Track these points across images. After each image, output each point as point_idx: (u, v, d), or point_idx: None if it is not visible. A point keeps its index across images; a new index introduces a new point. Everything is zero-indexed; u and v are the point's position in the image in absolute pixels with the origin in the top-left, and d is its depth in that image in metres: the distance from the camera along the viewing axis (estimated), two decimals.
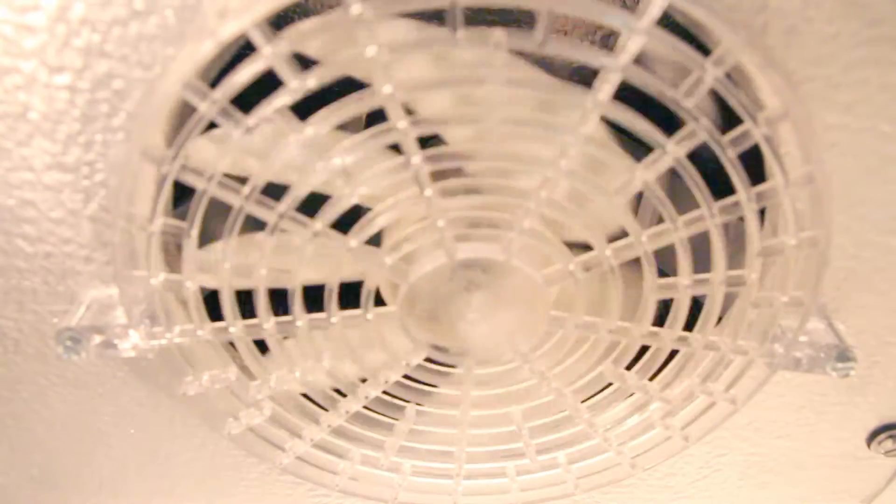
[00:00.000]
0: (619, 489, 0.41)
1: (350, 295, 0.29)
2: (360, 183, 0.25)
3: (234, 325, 0.29)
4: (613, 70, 0.21)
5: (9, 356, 0.33)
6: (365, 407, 0.34)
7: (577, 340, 0.32)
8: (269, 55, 0.21)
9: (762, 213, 0.27)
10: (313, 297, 0.29)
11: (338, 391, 0.34)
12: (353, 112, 0.23)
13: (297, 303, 0.29)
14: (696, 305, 0.29)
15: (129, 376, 0.34)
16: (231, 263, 0.27)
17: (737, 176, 0.24)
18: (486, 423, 0.36)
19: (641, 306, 0.29)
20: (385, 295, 0.30)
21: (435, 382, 0.34)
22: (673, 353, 0.32)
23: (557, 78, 0.24)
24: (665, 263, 0.31)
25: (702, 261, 0.27)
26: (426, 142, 0.24)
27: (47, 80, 0.24)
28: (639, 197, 0.33)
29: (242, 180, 0.25)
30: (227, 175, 0.24)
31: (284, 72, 0.21)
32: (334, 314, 0.29)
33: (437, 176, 0.25)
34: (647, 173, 0.24)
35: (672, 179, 0.28)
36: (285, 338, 0.31)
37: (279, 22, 0.23)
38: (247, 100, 0.23)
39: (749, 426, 0.38)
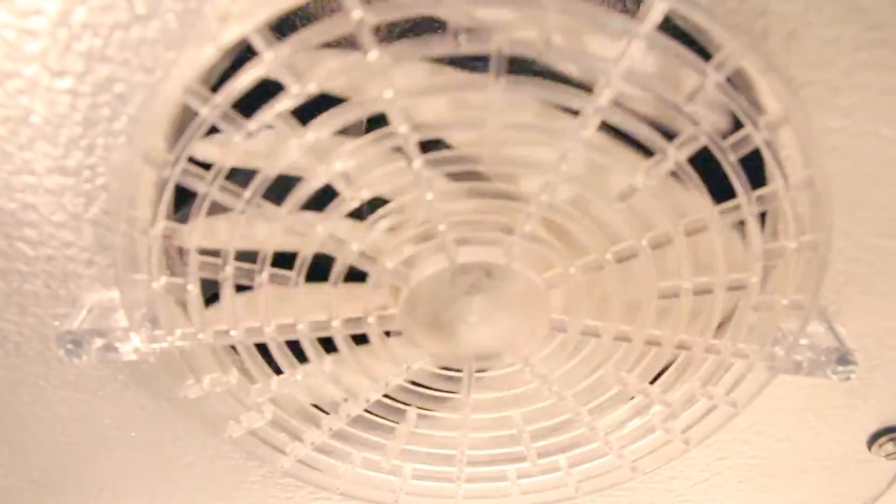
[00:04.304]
0: (619, 492, 0.41)
1: None
2: (362, 186, 0.25)
3: (236, 328, 0.29)
4: (614, 75, 0.21)
5: (10, 359, 0.33)
6: (366, 410, 0.34)
7: (578, 343, 0.32)
8: (271, 60, 0.21)
9: (763, 216, 0.27)
10: None
11: None
12: (354, 117, 0.23)
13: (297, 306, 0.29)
14: None
15: (130, 380, 0.34)
16: (233, 266, 0.27)
17: (737, 180, 0.24)
18: (487, 427, 0.36)
19: (642, 309, 0.29)
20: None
21: (436, 386, 0.34)
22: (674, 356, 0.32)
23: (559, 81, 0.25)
24: None
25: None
26: (427, 146, 0.24)
27: (49, 84, 0.24)
28: None
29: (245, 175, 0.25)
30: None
31: (286, 77, 0.21)
32: (335, 318, 0.29)
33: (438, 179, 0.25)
34: (647, 177, 0.24)
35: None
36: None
37: (281, 26, 0.23)
38: (248, 102, 0.23)
39: (750, 429, 0.38)
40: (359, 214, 0.27)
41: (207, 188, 0.24)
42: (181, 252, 0.27)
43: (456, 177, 0.27)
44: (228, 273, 0.27)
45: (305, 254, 0.27)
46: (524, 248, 0.27)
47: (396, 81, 0.21)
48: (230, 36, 0.21)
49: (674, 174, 0.24)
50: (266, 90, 0.22)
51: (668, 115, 0.24)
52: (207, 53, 0.22)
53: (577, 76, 0.24)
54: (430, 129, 0.23)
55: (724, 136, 0.23)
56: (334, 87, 0.23)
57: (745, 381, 0.32)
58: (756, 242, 0.26)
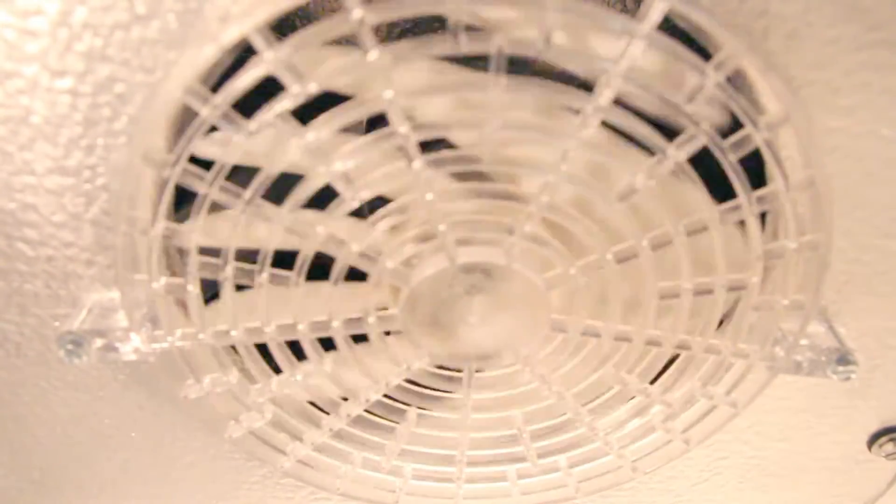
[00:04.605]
0: (620, 492, 0.41)
1: None
2: (362, 187, 0.25)
3: (236, 328, 0.29)
4: (614, 75, 0.21)
5: (10, 360, 0.33)
6: (366, 410, 0.34)
7: (578, 344, 0.32)
8: (271, 60, 0.21)
9: (763, 216, 0.27)
10: None
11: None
12: (355, 117, 0.23)
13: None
14: None
15: (130, 380, 0.34)
16: (233, 267, 0.27)
17: (738, 180, 0.24)
18: (488, 427, 0.36)
19: (643, 310, 0.29)
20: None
21: (436, 386, 0.34)
22: (674, 357, 0.32)
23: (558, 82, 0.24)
24: None
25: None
26: (429, 146, 0.24)
27: (49, 84, 0.24)
28: None
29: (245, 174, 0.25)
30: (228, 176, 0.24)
31: (286, 77, 0.21)
32: (335, 318, 0.29)
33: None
34: (648, 177, 0.24)
35: None
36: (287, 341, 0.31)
37: (281, 26, 0.23)
38: (249, 102, 0.23)
39: (750, 429, 0.38)
40: (360, 214, 0.27)
41: (207, 188, 0.24)
42: (181, 252, 0.27)
43: (458, 177, 0.27)
44: (228, 273, 0.27)
45: (306, 253, 0.27)
46: (524, 248, 0.27)
47: (397, 81, 0.21)
48: (230, 36, 0.21)
49: (674, 174, 0.24)
50: (267, 90, 0.22)
51: (670, 113, 0.24)
52: (207, 53, 0.22)
53: (579, 74, 0.24)
54: (431, 129, 0.23)
55: (725, 134, 0.23)
56: (336, 85, 0.23)
57: (745, 381, 0.32)
58: (756, 242, 0.26)
